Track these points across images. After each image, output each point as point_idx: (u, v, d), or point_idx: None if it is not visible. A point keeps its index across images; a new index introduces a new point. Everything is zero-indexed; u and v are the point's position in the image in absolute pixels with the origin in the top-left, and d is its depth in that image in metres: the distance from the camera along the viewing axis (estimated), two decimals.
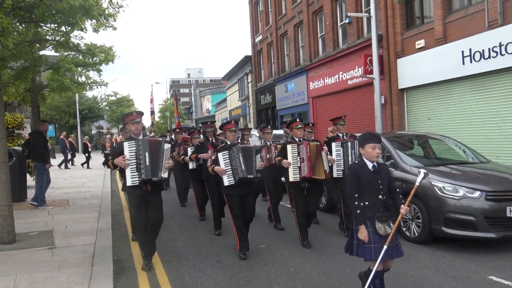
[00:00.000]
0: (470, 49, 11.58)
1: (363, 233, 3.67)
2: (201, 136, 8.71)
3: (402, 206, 3.69)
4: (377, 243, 3.66)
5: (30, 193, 9.99)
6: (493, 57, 10.94)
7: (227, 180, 5.62)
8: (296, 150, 6.20)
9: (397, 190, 3.87)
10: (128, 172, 4.97)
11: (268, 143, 8.14)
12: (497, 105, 11.19)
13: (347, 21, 17.54)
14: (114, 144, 13.31)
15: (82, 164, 21.44)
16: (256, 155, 5.85)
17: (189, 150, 8.56)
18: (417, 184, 3.65)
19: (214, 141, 7.66)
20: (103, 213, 8.21)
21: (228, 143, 5.93)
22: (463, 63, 11.86)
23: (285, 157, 6.24)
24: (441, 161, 7.28)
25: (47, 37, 8.11)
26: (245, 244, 5.75)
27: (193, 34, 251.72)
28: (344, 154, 6.69)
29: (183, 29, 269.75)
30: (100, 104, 46.93)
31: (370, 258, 3.68)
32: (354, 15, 15.43)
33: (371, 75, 14.35)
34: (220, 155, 5.70)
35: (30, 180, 11.08)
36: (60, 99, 37.77)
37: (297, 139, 6.43)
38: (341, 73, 18.21)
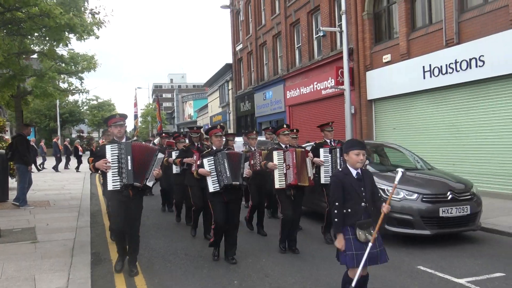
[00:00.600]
0: (430, 65, 12.53)
1: (340, 242, 3.75)
2: (186, 140, 8.61)
3: (384, 205, 3.73)
4: (359, 250, 3.71)
5: (11, 195, 10.43)
6: (449, 72, 11.90)
7: (212, 187, 5.59)
8: (282, 156, 6.23)
9: (379, 195, 3.98)
10: (109, 176, 4.91)
11: (253, 149, 8.06)
12: (453, 117, 12.13)
13: (321, 34, 18.51)
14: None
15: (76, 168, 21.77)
16: (244, 162, 5.83)
17: (174, 154, 8.53)
18: (395, 182, 3.75)
19: (199, 145, 7.49)
20: (82, 213, 8.75)
21: (214, 148, 5.86)
22: (424, 78, 12.81)
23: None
24: (393, 167, 8.05)
25: (33, 46, 8.65)
26: (218, 248, 5.88)
27: (177, 40, 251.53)
28: (332, 160, 6.75)
29: (167, 34, 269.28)
30: (81, 108, 46.92)
31: (352, 265, 3.73)
32: (327, 30, 16.32)
33: (342, 86, 15.21)
34: (205, 160, 5.65)
35: (11, 182, 11.49)
36: (40, 102, 37.78)
37: (283, 146, 6.43)
38: (315, 83, 19.07)
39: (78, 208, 9.37)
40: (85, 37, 6.96)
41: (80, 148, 23.68)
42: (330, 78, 17.50)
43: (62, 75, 10.91)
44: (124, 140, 5.12)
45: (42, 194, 11.64)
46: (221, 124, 7.03)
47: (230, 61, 32.00)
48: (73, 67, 10.38)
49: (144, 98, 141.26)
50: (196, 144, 7.58)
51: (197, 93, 70.14)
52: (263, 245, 6.72)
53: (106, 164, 4.89)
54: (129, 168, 4.93)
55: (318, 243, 6.77)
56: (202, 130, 8.36)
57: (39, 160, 22.01)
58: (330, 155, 6.79)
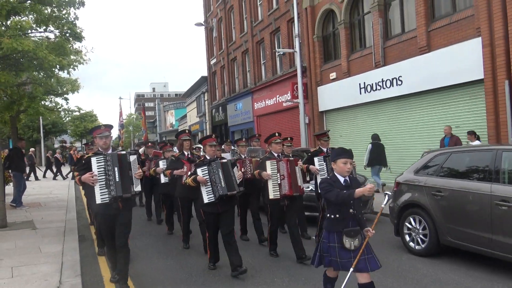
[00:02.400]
0: (364, 83, 14.88)
1: (364, 189, 3.74)
2: (174, 149, 8.32)
3: (369, 229, 3.85)
4: (344, 258, 3.78)
5: (8, 199, 12.25)
6: (378, 89, 14.26)
7: (206, 197, 5.51)
8: (276, 166, 6.11)
9: (361, 205, 4.14)
10: (97, 189, 4.74)
11: (243, 156, 7.90)
12: (384, 126, 14.46)
13: (281, 53, 20.80)
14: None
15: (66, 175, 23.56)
16: (232, 168, 5.78)
17: (161, 163, 8.33)
18: (382, 206, 3.92)
19: (189, 155, 7.25)
20: (70, 210, 10.72)
21: (208, 158, 5.77)
22: (360, 93, 15.14)
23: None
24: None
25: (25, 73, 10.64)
26: (215, 256, 5.85)
27: (159, 49, 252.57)
28: (328, 168, 6.73)
29: (149, 43, 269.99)
30: (64, 119, 48.28)
31: (338, 268, 3.90)
32: (282, 51, 18.63)
33: (297, 100, 17.50)
34: (199, 170, 5.56)
35: (7, 188, 13.31)
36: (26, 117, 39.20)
37: (275, 154, 6.32)
38: (277, 96, 21.33)
39: (65, 207, 11.32)
40: (71, 72, 9.04)
41: (59, 158, 25.47)
42: (289, 92, 19.73)
43: (49, 96, 12.88)
44: (110, 151, 5.00)
45: (33, 198, 13.51)
46: (216, 134, 6.61)
47: (206, 73, 34.13)
48: (59, 89, 12.30)
49: (125, 108, 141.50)
50: (186, 153, 7.28)
51: (178, 102, 71.68)
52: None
53: (92, 177, 4.74)
54: (117, 180, 4.79)
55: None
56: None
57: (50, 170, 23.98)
58: (324, 163, 6.85)
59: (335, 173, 3.96)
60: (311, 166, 6.83)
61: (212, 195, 5.51)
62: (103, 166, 4.82)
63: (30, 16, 8.76)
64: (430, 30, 12.13)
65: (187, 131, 7.55)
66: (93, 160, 4.83)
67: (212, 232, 5.73)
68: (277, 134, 6.52)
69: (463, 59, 11.03)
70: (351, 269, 3.74)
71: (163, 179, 8.20)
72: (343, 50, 16.06)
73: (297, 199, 6.44)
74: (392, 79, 13.57)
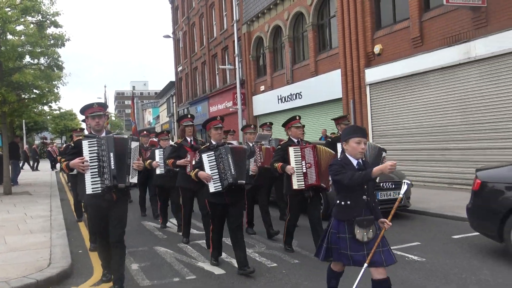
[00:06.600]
0: (281, 95, 19.61)
1: (380, 168, 3.32)
2: (172, 139, 8.84)
3: (386, 221, 3.41)
4: (355, 251, 3.37)
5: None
6: (288, 101, 19.00)
7: (213, 186, 4.94)
8: (300, 153, 5.59)
9: (374, 192, 3.63)
10: (88, 177, 4.16)
11: (251, 145, 7.15)
12: None
13: (228, 66, 25.44)
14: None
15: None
16: (249, 158, 5.26)
17: (157, 153, 7.96)
18: (400, 196, 3.40)
19: (193, 142, 6.66)
20: (53, 186, 15.12)
21: (213, 142, 5.27)
22: (279, 103, 19.87)
23: (286, 161, 5.67)
24: None
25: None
26: (219, 251, 5.44)
27: (140, 48, 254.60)
28: None
29: (128, 42, 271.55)
30: (45, 118, 51.84)
31: (348, 263, 3.46)
32: (225, 67, 23.28)
33: (236, 106, 22.16)
34: (204, 156, 5.02)
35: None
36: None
37: (295, 140, 5.83)
38: (226, 102, 25.93)
39: (49, 185, 15.68)
40: (55, 90, 13.47)
41: (37, 151, 29.48)
42: (232, 99, 24.40)
43: (37, 104, 17.20)
44: (104, 134, 4.42)
45: (24, 181, 17.82)
46: (220, 115, 6.18)
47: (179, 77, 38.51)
48: (44, 100, 16.67)
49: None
50: (189, 139, 6.69)
51: (154, 101, 75.33)
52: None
53: (83, 163, 4.16)
54: (112, 167, 4.22)
55: None
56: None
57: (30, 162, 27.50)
58: None
59: (347, 155, 3.55)
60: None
61: (219, 184, 4.94)
62: (96, 151, 4.22)
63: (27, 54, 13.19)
64: (317, 60, 16.90)
65: (189, 116, 6.98)
66: (85, 143, 4.25)
67: (217, 225, 5.27)
68: (297, 117, 6.00)
69: (334, 83, 15.80)
70: (365, 265, 3.33)
71: (158, 171, 7.93)
72: (268, 68, 20.79)
73: (319, 192, 5.85)
74: (296, 93, 18.32)
